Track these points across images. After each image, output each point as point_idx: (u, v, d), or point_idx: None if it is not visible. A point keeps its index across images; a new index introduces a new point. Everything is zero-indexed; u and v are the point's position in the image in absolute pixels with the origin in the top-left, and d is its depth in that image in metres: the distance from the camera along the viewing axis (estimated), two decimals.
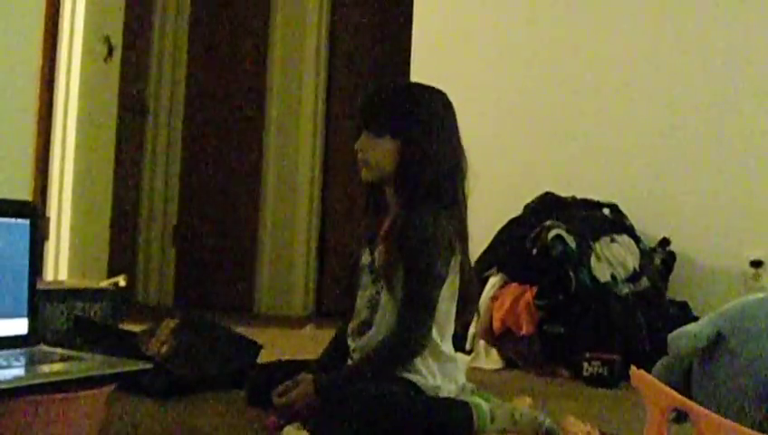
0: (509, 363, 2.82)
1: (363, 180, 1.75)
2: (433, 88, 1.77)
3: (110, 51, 3.89)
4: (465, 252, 1.71)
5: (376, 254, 1.72)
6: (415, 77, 3.50)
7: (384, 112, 1.71)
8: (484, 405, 1.60)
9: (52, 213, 3.71)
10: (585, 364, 2.52)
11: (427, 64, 3.55)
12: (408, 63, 3.62)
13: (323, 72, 4.63)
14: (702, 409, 1.16)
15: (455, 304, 1.71)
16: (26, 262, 1.56)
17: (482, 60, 3.56)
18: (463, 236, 1.71)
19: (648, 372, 1.31)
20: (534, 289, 2.75)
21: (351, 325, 1.77)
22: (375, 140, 1.70)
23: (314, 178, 4.61)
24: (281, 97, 4.63)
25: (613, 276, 2.76)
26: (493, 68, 3.54)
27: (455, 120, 1.74)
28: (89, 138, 3.79)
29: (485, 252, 2.96)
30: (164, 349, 2.03)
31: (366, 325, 1.72)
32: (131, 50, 4.30)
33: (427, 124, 1.69)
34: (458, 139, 1.74)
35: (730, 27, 3.14)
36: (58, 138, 3.72)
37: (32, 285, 1.57)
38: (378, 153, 1.70)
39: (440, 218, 1.65)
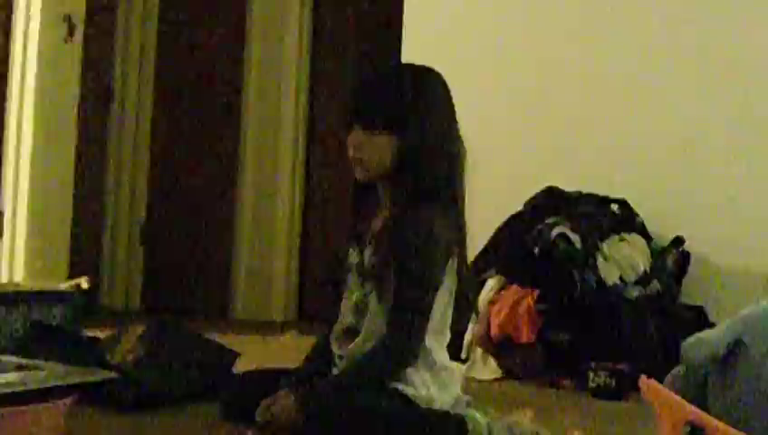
0: (508, 374, 2.82)
1: (357, 179, 1.73)
2: (428, 69, 1.75)
3: (72, 30, 3.86)
4: (462, 254, 1.71)
5: (365, 254, 1.71)
6: (407, 57, 3.48)
7: (378, 105, 1.69)
8: (481, 419, 1.60)
9: (6, 208, 3.68)
10: (591, 375, 2.53)
11: (420, 44, 3.53)
12: (400, 42, 3.60)
13: (306, 56, 4.61)
14: (719, 423, 1.17)
15: (451, 310, 1.71)
16: None
17: (481, 39, 3.55)
18: (461, 237, 1.71)
19: (660, 383, 1.31)
20: (536, 293, 2.75)
21: (335, 330, 1.76)
22: (370, 137, 1.68)
23: (296, 171, 4.59)
24: (260, 83, 4.61)
25: (622, 279, 2.78)
26: (492, 48, 3.53)
27: (453, 107, 1.74)
28: (47, 125, 3.77)
29: (483, 252, 2.96)
30: (130, 357, 2.03)
31: (351, 331, 1.72)
32: (95, 30, 4.27)
33: (426, 115, 1.67)
34: (457, 127, 1.73)
35: (748, 16, 3.15)
36: (12, 125, 3.70)
37: None
38: (374, 151, 1.68)
39: (438, 218, 1.65)
